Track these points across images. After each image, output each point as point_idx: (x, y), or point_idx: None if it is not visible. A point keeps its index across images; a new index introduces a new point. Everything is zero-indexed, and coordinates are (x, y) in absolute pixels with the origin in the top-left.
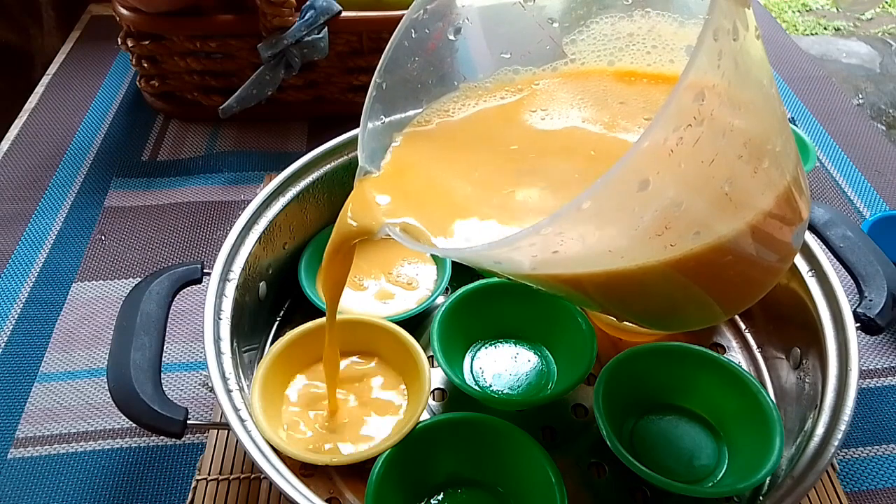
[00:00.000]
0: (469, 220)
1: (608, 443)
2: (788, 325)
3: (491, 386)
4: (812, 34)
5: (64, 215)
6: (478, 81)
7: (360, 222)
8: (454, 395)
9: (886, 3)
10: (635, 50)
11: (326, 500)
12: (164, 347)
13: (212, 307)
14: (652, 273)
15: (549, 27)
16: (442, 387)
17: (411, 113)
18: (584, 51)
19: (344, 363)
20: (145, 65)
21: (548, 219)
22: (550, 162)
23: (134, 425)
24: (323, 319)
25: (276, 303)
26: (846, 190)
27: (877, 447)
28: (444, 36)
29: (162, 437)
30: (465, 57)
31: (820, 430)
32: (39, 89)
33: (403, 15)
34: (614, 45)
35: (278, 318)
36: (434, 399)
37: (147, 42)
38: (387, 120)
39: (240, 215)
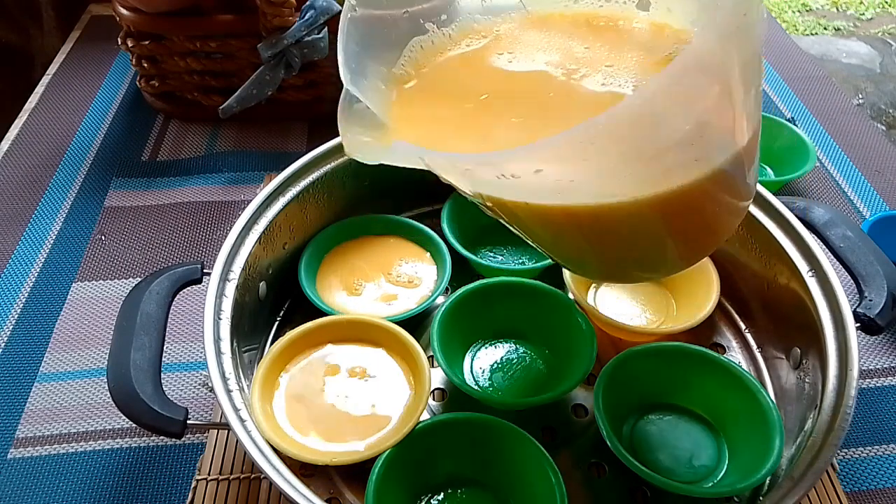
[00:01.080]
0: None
1: (608, 443)
2: (788, 325)
3: (491, 386)
4: (812, 34)
5: (64, 215)
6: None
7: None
8: (454, 395)
9: (886, 2)
10: None
11: (326, 500)
12: (164, 347)
13: (212, 307)
14: (640, 207)
15: None
16: (442, 387)
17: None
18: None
19: (350, 348)
20: (145, 65)
21: (564, 133)
22: (524, 103)
23: (134, 425)
24: (323, 319)
25: (276, 303)
26: (846, 190)
27: (877, 447)
28: None
29: (162, 437)
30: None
31: (820, 431)
32: (39, 89)
33: None
34: None
35: (278, 318)
36: (434, 399)
37: (147, 42)
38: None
39: (240, 215)
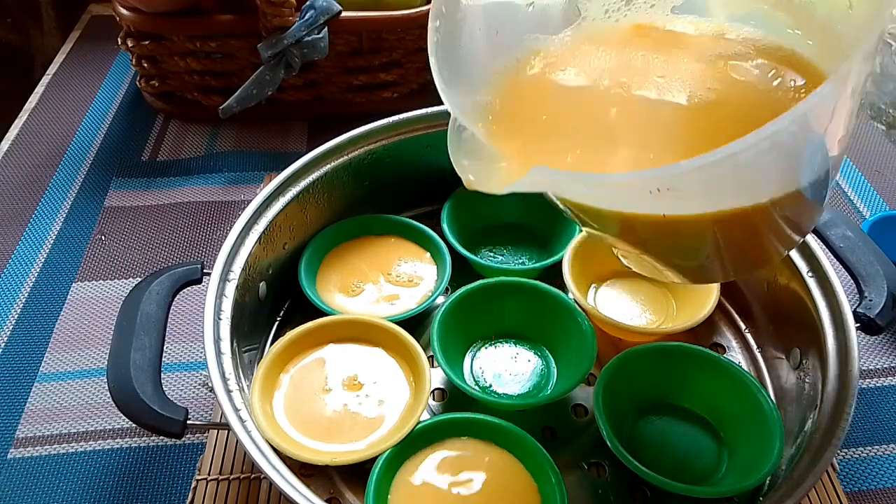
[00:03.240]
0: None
1: (608, 443)
2: (788, 325)
3: (491, 386)
4: None
5: (64, 215)
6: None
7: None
8: (454, 395)
9: None
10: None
11: (326, 500)
12: (164, 347)
13: (212, 307)
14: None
15: None
16: (442, 387)
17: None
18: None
19: (350, 348)
20: (145, 65)
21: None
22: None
23: (134, 425)
24: (323, 319)
25: (276, 303)
26: (846, 190)
27: (877, 447)
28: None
29: (162, 437)
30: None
31: (820, 431)
32: (39, 89)
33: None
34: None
35: (278, 318)
36: (434, 399)
37: (147, 42)
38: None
39: (240, 215)
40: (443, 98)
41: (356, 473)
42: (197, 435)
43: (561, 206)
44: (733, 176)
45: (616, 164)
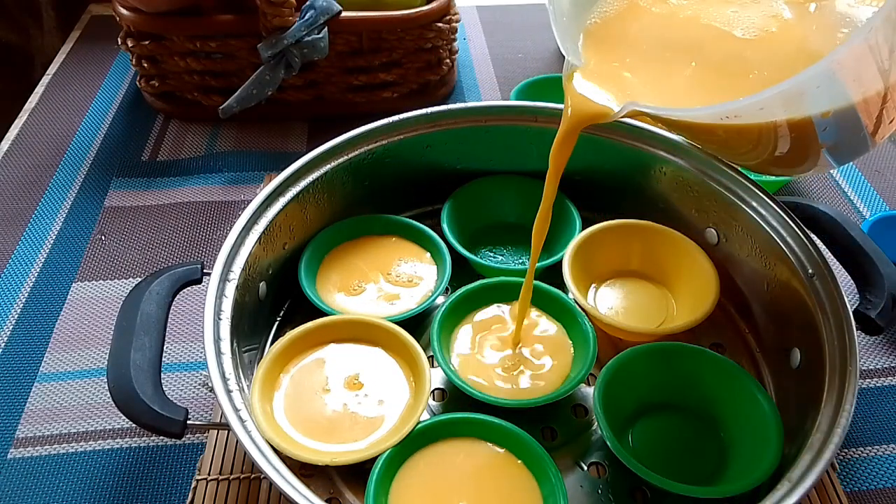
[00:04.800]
0: (689, 87)
1: (608, 443)
2: (788, 325)
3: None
4: None
5: (64, 215)
6: None
7: (591, 108)
8: (454, 395)
9: None
10: None
11: (326, 501)
12: (164, 347)
13: (212, 307)
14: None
15: None
16: (442, 387)
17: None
18: None
19: (350, 348)
20: (145, 65)
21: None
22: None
23: (134, 425)
24: (323, 319)
25: (276, 303)
26: (846, 190)
27: (877, 447)
28: None
29: (162, 437)
30: None
31: (820, 430)
32: (39, 89)
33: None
34: None
35: (278, 318)
36: (434, 399)
37: (147, 42)
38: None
39: (240, 215)
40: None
41: (356, 473)
42: (197, 435)
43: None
44: (782, 102)
45: (678, 86)
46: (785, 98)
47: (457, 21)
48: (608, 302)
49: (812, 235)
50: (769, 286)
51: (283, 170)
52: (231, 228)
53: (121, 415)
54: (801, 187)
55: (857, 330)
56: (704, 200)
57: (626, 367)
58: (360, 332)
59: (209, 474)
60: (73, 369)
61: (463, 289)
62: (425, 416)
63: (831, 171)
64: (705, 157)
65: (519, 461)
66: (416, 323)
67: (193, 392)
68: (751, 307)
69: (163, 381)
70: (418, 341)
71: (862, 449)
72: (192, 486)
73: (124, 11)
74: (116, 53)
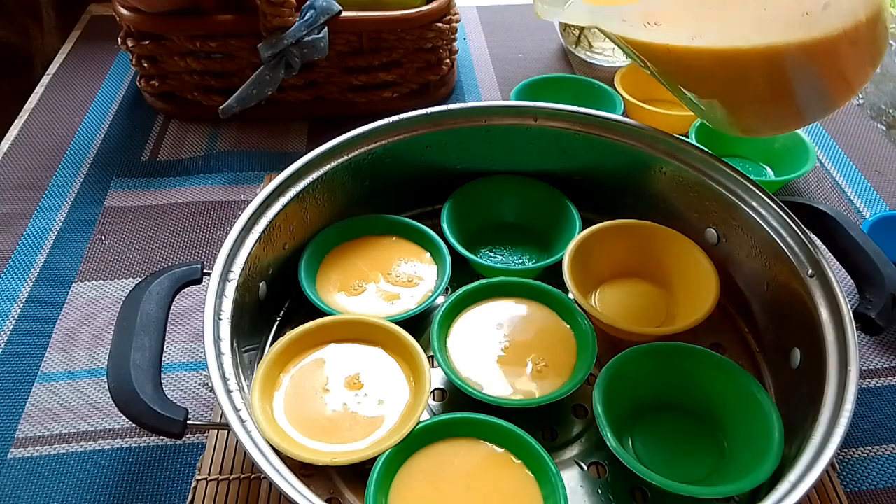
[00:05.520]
0: None
1: (608, 443)
2: (788, 325)
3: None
4: None
5: (64, 215)
6: None
7: None
8: (454, 395)
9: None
10: None
11: (326, 501)
12: (164, 347)
13: (212, 307)
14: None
15: None
16: (442, 387)
17: None
18: None
19: (350, 348)
20: (145, 65)
21: None
22: None
23: (134, 425)
24: (323, 319)
25: (276, 303)
26: (846, 190)
27: (877, 447)
28: None
29: (162, 437)
30: None
31: (820, 430)
32: (39, 89)
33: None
34: None
35: (278, 318)
36: (434, 399)
37: (147, 42)
38: None
39: (240, 215)
40: None
41: (356, 473)
42: (197, 435)
43: (623, 47)
44: None
45: None
46: None
47: (457, 21)
48: (608, 302)
49: (812, 235)
50: (769, 286)
51: (283, 170)
52: (231, 228)
53: (121, 415)
54: (801, 187)
55: (857, 330)
56: (704, 200)
57: (626, 367)
58: (360, 332)
59: (209, 474)
60: (73, 369)
61: (463, 289)
62: (425, 416)
63: (831, 172)
64: (705, 157)
65: (519, 461)
66: (416, 323)
67: (193, 392)
68: (751, 307)
69: (163, 382)
70: (418, 341)
71: (862, 449)
72: (192, 486)
73: (124, 11)
74: (116, 53)
